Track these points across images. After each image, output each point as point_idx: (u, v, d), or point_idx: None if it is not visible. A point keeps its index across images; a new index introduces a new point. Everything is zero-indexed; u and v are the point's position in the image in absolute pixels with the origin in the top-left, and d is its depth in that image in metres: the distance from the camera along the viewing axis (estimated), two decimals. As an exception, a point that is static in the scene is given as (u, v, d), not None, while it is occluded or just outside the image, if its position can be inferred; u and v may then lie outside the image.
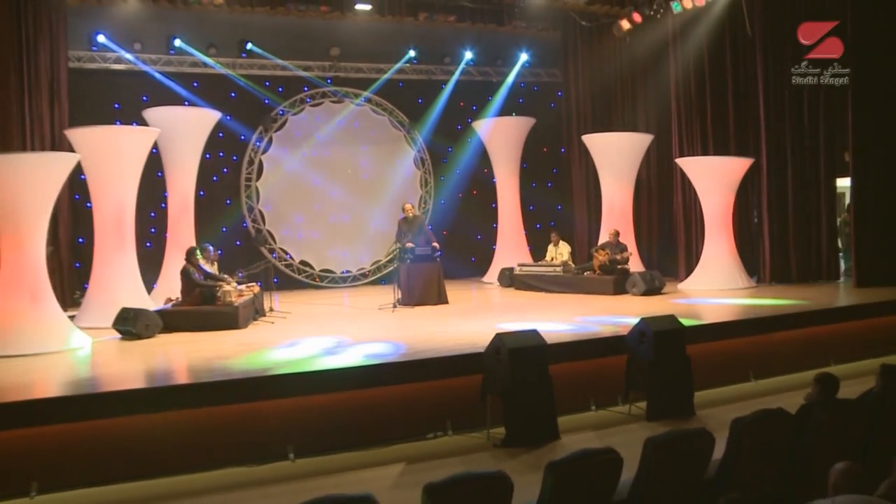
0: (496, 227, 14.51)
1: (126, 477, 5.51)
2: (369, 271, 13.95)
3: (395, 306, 10.05)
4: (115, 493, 5.38)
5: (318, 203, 13.50)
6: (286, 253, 13.28)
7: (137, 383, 6.26)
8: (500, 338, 6.23)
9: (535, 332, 6.45)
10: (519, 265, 12.72)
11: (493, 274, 13.75)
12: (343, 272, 13.72)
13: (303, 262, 13.40)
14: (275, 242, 13.24)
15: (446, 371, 6.64)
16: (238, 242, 12.81)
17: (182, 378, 6.38)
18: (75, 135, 9.16)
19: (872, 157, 10.93)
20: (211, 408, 5.86)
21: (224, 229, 12.62)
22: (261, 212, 13.18)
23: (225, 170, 12.90)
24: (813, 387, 4.58)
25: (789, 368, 8.31)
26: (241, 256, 12.25)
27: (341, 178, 13.65)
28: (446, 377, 6.63)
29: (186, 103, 12.21)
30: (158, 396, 5.79)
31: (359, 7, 11.79)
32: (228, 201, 12.97)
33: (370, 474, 5.68)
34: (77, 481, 5.38)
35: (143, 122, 11.32)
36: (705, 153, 12.12)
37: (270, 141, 13.23)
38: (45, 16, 10.70)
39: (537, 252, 13.80)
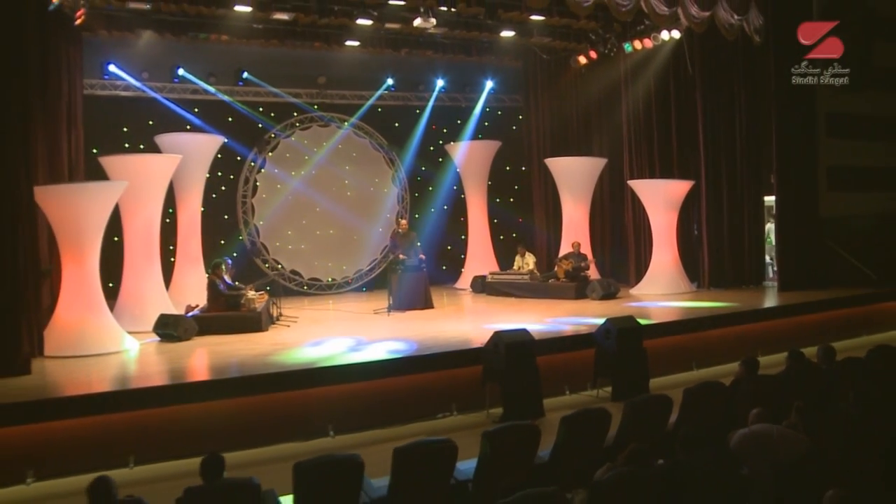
0: (464, 239, 16.02)
1: (203, 451, 6.75)
2: (352, 279, 15.28)
3: (389, 311, 11.45)
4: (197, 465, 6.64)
5: (306, 218, 14.77)
6: (278, 263, 14.51)
7: (204, 376, 7.50)
8: (498, 335, 7.73)
9: (525, 331, 7.98)
10: (490, 274, 14.25)
11: (464, 281, 15.22)
12: (329, 280, 15.01)
13: (293, 272, 14.65)
14: (268, 254, 14.46)
15: (451, 363, 8.11)
16: (235, 254, 13.91)
17: (241, 372, 7.60)
18: (109, 162, 10.26)
19: (793, 179, 12.84)
20: (268, 395, 7.20)
21: (222, 242, 13.80)
22: (256, 226, 14.39)
23: (223, 188, 14.03)
24: (740, 367, 6.23)
25: (725, 359, 9.98)
26: (237, 267, 13.35)
27: (327, 194, 14.92)
28: (451, 368, 8.09)
29: (188, 127, 13.36)
30: (226, 386, 7.10)
31: (348, 43, 13.11)
32: (227, 216, 14.12)
33: (395, 445, 7.09)
34: (165, 455, 6.64)
35: (150, 144, 12.45)
36: (652, 176, 13.83)
37: (264, 161, 14.46)
38: (63, 48, 11.65)
39: (502, 261, 15.37)
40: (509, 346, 7.59)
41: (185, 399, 6.86)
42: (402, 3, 11.00)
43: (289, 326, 10.42)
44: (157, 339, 9.41)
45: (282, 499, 4.67)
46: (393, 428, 7.46)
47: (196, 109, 13.62)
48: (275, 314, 11.07)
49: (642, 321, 9.30)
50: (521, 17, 12.54)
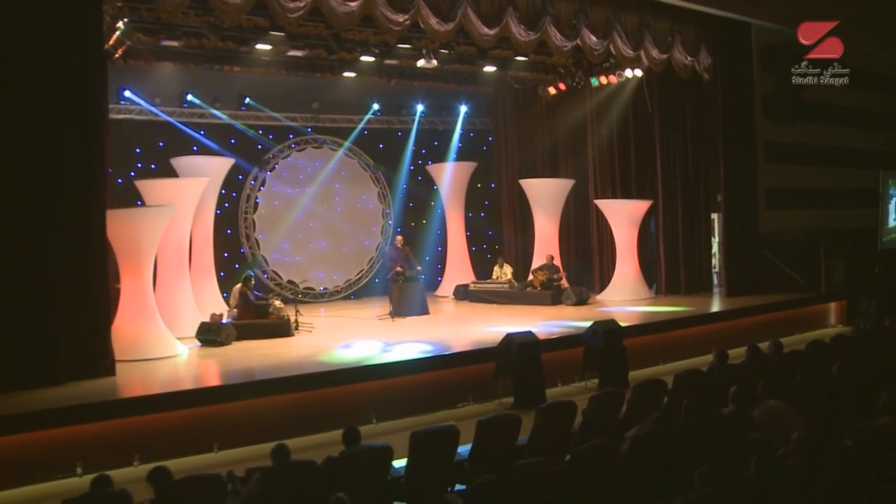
0: (441, 250, 17.52)
1: (271, 438, 7.99)
2: (342, 288, 16.57)
3: (393, 317, 12.82)
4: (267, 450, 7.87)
5: (301, 232, 16.00)
6: (276, 274, 15.69)
7: (267, 376, 8.66)
8: (510, 336, 9.24)
9: (531, 333, 9.53)
10: (473, 283, 15.77)
11: (443, 289, 16.67)
12: (321, 289, 16.26)
13: (290, 282, 15.85)
14: (267, 265, 15.63)
15: (468, 360, 9.57)
16: (237, 266, 15.04)
17: (298, 371, 8.79)
18: (145, 185, 11.34)
19: (737, 199, 14.79)
20: (321, 390, 8.50)
21: (226, 255, 14.88)
22: (256, 240, 15.55)
23: (226, 204, 15.06)
24: (714, 358, 7.91)
25: (685, 356, 11.80)
26: (239, 278, 14.46)
27: (319, 210, 16.19)
28: (468, 365, 9.55)
29: (195, 148, 14.44)
30: (290, 383, 8.36)
31: (345, 74, 14.47)
32: (229, 231, 15.20)
33: None
34: (247, 441, 7.87)
35: (162, 165, 13.53)
36: (614, 195, 15.57)
37: (264, 181, 15.63)
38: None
39: (477, 270, 16.92)
40: (520, 345, 9.11)
41: (257, 394, 8.10)
42: (408, 46, 12.41)
43: (311, 332, 11.67)
44: (198, 344, 10.56)
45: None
46: (423, 415, 8.84)
47: (202, 132, 14.69)
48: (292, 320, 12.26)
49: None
50: (503, 54, 14.08)
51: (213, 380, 8.74)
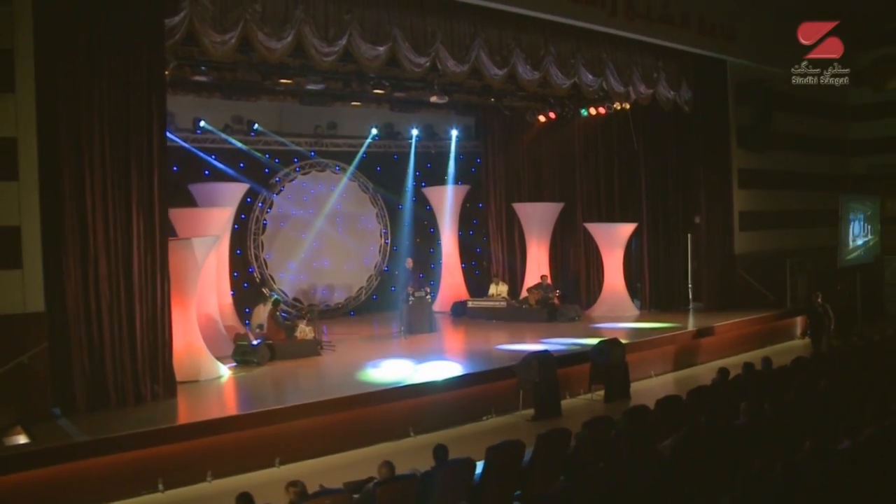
0: (433, 268, 18.44)
1: (325, 453, 8.83)
2: (342, 305, 17.35)
3: (405, 336, 13.68)
4: (330, 462, 8.65)
5: (304, 252, 16.73)
6: (283, 292, 16.38)
7: (318, 397, 9.33)
8: (532, 354, 10.25)
9: (548, 352, 10.54)
10: (471, 300, 16.71)
11: (438, 305, 17.49)
12: (323, 307, 17.00)
13: (295, 299, 16.57)
14: (275, 284, 16.31)
15: (492, 378, 10.52)
16: (245, 285, 15.73)
17: (348, 390, 9.58)
18: (175, 214, 11.94)
19: (714, 221, 16.09)
20: (366, 408, 9.34)
21: (235, 274, 15.50)
22: (265, 260, 16.23)
23: (235, 226, 15.72)
24: (717, 374, 9.01)
25: (675, 368, 13.03)
26: (248, 297, 15.15)
27: (321, 231, 16.93)
28: (492, 381, 10.50)
29: (206, 172, 15.08)
30: (340, 403, 9.17)
31: (353, 104, 15.31)
32: (238, 252, 15.83)
33: (467, 439, 9.22)
34: (304, 456, 8.65)
35: (177, 189, 14.03)
36: (600, 217, 16.73)
37: (272, 203, 16.34)
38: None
39: (467, 287, 17.88)
40: (541, 362, 10.11)
41: (312, 414, 8.89)
42: (419, 82, 13.34)
43: (334, 351, 12.45)
44: (233, 364, 11.25)
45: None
46: (454, 428, 9.76)
47: (213, 156, 15.32)
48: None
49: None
50: (504, 87, 15.02)
51: (269, 401, 9.42)
